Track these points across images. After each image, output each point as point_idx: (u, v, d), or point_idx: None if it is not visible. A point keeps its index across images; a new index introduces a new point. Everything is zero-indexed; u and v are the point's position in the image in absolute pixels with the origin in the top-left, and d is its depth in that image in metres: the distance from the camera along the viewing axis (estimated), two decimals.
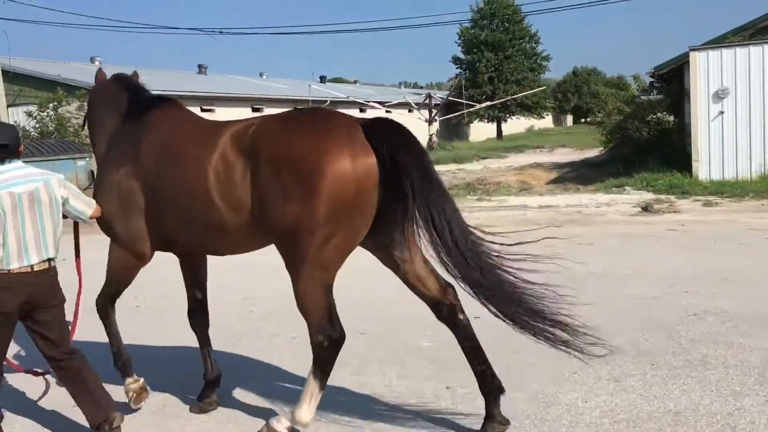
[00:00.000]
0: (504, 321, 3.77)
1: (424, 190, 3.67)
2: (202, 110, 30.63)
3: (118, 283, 4.65)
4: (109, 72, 5.25)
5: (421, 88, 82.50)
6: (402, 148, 3.70)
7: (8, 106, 25.78)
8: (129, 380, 4.63)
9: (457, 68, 53.17)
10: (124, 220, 4.40)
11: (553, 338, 3.73)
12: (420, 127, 48.33)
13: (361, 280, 6.76)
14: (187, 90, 30.52)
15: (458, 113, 45.49)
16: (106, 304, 4.67)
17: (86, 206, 4.33)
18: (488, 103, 45.25)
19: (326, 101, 38.44)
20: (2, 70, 25.34)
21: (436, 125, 36.83)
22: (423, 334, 5.84)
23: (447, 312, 3.98)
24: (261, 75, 47.31)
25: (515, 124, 59.39)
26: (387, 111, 42.68)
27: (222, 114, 31.45)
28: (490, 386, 3.98)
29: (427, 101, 41.80)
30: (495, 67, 50.49)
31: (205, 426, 4.49)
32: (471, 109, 43.58)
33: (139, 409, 4.68)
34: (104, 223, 4.49)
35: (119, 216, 4.40)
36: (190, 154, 4.11)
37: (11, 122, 25.93)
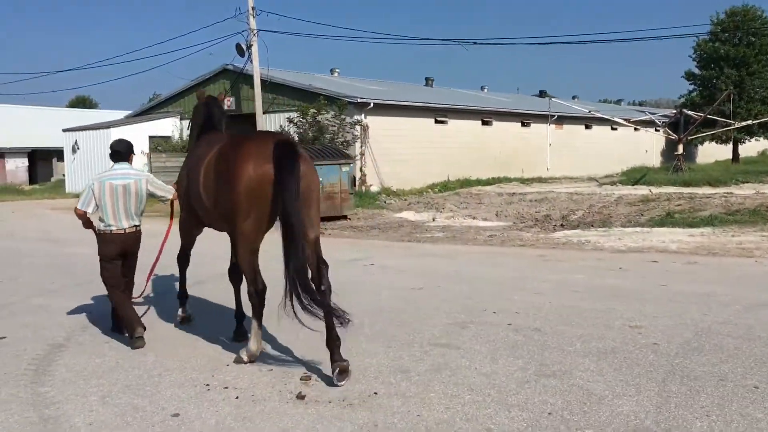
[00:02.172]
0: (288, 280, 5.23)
1: (284, 190, 5.27)
2: (436, 122, 30.65)
3: (184, 241, 7.10)
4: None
5: (638, 104, 77.80)
6: (283, 161, 5.33)
7: (263, 112, 27.44)
8: (180, 311, 7.15)
9: (690, 84, 49.29)
10: (184, 203, 6.73)
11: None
12: (654, 143, 45.28)
13: None
14: (422, 101, 30.65)
15: (715, 131, 41.94)
16: (181, 258, 7.19)
17: (165, 193, 6.84)
18: (751, 121, 41.14)
19: (554, 116, 37.16)
20: (261, 80, 27.06)
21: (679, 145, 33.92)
22: None
23: None
24: (482, 88, 46.95)
25: (747, 148, 53.88)
26: (635, 129, 40.47)
27: (454, 126, 31.29)
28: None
29: (675, 119, 38.82)
30: (735, 84, 46.00)
31: None
32: (731, 127, 39.81)
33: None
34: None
35: (182, 200, 6.74)
36: (197, 161, 6.24)
37: (268, 127, 27.58)
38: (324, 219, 18.63)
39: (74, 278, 9.95)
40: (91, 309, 7.86)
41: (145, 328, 6.40)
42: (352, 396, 4.98)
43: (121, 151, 6.67)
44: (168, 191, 6.83)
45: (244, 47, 26.78)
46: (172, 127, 31.93)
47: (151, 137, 31.32)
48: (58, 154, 38.96)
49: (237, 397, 5.00)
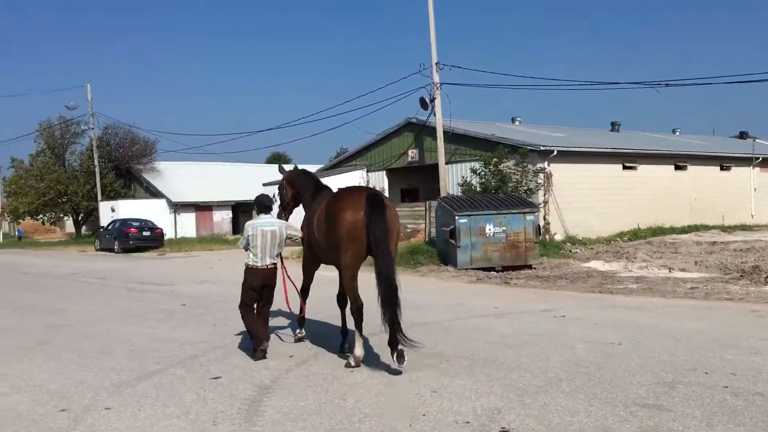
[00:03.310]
0: (381, 296, 7.07)
1: (376, 234, 7.20)
2: (624, 167, 29.37)
3: (305, 278, 9.01)
4: None
5: None
6: (372, 210, 7.27)
7: (446, 163, 27.90)
8: (298, 332, 9.04)
9: None
10: (307, 245, 8.74)
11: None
12: None
13: None
14: (609, 147, 29.58)
15: None
16: (304, 290, 9.04)
17: (297, 233, 8.60)
18: None
19: (759, 158, 34.19)
20: (443, 131, 27.60)
21: None
22: None
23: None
24: (674, 131, 44.39)
25: None
26: None
27: (644, 171, 29.79)
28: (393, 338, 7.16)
29: None
30: None
31: None
32: None
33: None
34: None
35: (305, 245, 8.86)
36: (313, 214, 8.36)
37: (451, 177, 28.02)
38: (508, 268, 18.43)
39: (275, 323, 10.60)
40: (293, 353, 8.30)
41: (268, 342, 8.20)
42: None
43: (266, 205, 8.44)
44: (299, 231, 8.65)
45: (428, 100, 27.54)
46: (359, 179, 33.42)
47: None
48: None
49: None
